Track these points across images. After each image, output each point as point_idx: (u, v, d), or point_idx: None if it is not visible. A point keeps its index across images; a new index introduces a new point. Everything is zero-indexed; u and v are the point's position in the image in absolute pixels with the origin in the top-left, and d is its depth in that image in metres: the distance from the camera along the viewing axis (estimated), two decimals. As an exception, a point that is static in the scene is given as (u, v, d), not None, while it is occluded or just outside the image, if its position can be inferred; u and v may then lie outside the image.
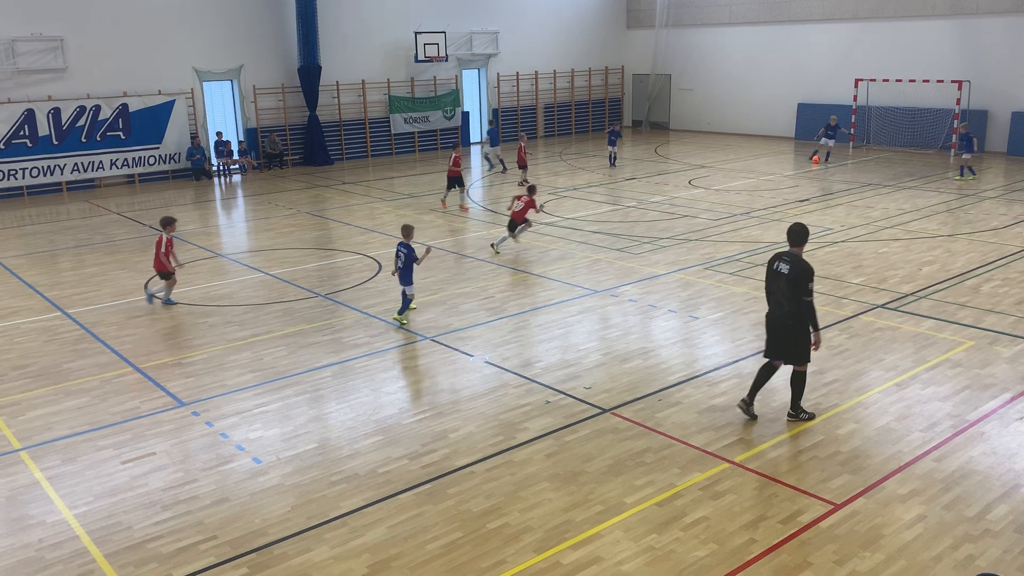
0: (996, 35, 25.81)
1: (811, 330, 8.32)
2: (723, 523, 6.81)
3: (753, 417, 8.63)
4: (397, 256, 11.72)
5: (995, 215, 17.63)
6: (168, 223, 12.92)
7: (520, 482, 7.54)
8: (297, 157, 28.13)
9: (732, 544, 6.52)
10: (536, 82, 33.53)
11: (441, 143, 31.10)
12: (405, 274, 11.71)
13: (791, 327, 8.35)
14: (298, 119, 27.86)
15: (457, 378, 9.98)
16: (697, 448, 8.07)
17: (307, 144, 28.01)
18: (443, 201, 20.34)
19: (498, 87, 32.51)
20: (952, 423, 8.46)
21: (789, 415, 8.67)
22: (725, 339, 11.02)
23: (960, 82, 26.12)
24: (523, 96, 33.42)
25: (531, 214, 16.01)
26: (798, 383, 8.53)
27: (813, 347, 8.37)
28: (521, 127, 33.35)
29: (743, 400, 8.71)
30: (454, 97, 31.00)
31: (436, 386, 9.81)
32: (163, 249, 12.72)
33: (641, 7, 35.36)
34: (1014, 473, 7.54)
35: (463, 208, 19.95)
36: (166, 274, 12.92)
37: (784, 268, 8.32)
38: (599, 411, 8.93)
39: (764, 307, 12.03)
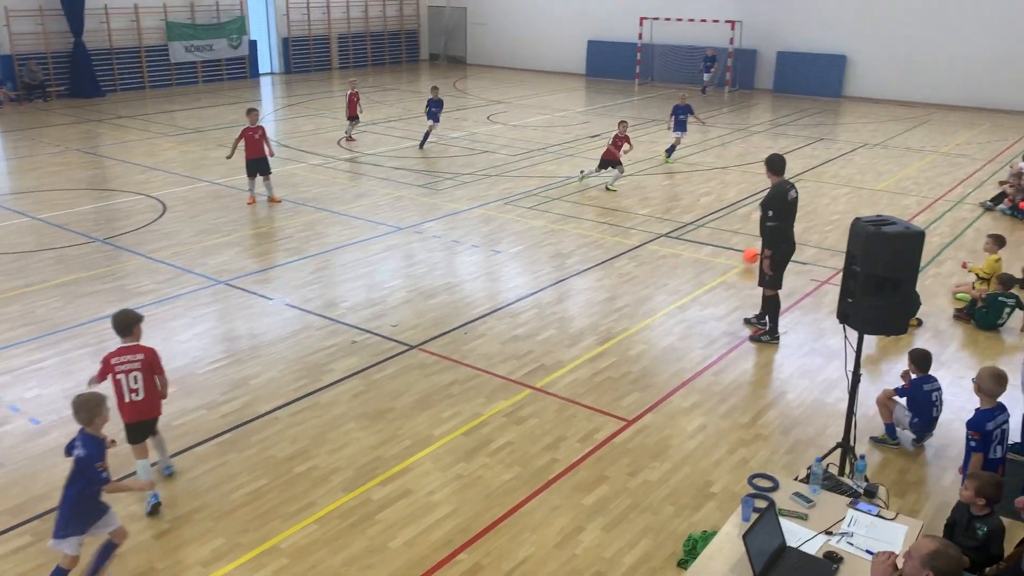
0: (764, -21, 27.72)
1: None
2: (526, 446, 7.12)
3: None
4: (73, 456, 5.33)
5: (763, 148, 19.16)
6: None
7: (327, 424, 7.46)
8: (62, 88, 25.44)
9: (535, 465, 6.84)
10: (328, 10, 32.18)
11: (227, 73, 29.24)
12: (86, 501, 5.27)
13: None
14: (62, 46, 25.10)
15: (256, 323, 9.63)
16: (501, 377, 8.34)
17: (73, 73, 25.37)
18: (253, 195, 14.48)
19: (287, 15, 30.90)
20: (727, 340, 9.27)
21: (768, 335, 9.27)
22: (525, 271, 11.36)
23: (733, 22, 27.89)
24: (315, 25, 32.00)
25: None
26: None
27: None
28: (314, 57, 32.03)
29: (775, 336, 9.20)
30: (239, 24, 29.14)
31: (233, 332, 9.41)
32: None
33: (434, -64, 34.70)
34: (780, 382, 8.41)
35: (272, 200, 14.40)
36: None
37: (795, 194, 8.80)
38: (406, 348, 8.97)
39: (559, 239, 12.53)
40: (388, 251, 12.07)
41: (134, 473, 6.37)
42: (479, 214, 13.87)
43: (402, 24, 35.20)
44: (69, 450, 5.33)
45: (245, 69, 29.76)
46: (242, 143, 14.04)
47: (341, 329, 9.43)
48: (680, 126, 17.59)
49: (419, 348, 8.97)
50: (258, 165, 14.13)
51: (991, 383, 6.02)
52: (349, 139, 19.36)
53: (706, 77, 27.91)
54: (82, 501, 5.21)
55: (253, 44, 30.04)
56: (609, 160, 15.34)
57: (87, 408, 5.28)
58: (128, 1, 26.20)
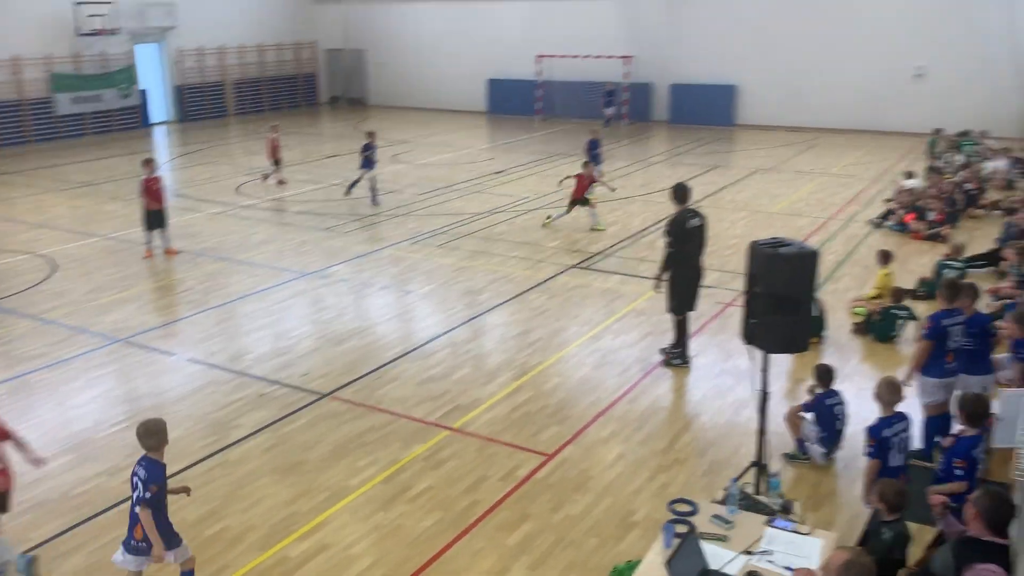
0: (654, 13, 28.68)
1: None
2: (447, 490, 6.99)
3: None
4: (134, 486, 5.33)
5: (663, 177, 19.68)
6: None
7: (238, 481, 7.17)
8: (-62, 145, 24.15)
9: (457, 508, 6.72)
10: (222, 57, 31.63)
11: (118, 123, 28.32)
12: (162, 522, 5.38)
13: None
14: (-65, 101, 23.88)
15: (157, 381, 9.23)
16: (418, 420, 8.20)
17: (-50, 130, 24.15)
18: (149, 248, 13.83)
19: (180, 62, 30.22)
20: (640, 367, 9.38)
21: (679, 359, 9.36)
22: (437, 311, 11.27)
23: (627, 57, 28.73)
24: (210, 72, 31.39)
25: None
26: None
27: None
28: (209, 105, 31.39)
29: (686, 359, 9.31)
30: (129, 74, 28.30)
31: (134, 392, 8.99)
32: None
33: (328, -20, 34.67)
34: (692, 405, 8.55)
35: (169, 252, 13.84)
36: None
37: (699, 221, 8.86)
38: (318, 397, 8.74)
39: (469, 276, 12.51)
40: (294, 298, 11.80)
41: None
42: (387, 255, 13.74)
43: (299, 68, 34.89)
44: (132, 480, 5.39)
45: (137, 119, 28.89)
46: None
47: (248, 382, 9.12)
48: (595, 160, 17.86)
49: (331, 396, 8.75)
50: (158, 216, 13.66)
51: (887, 392, 6.24)
52: (279, 183, 19.21)
53: (608, 111, 28.61)
54: (162, 519, 5.34)
55: (144, 93, 29.23)
56: (578, 200, 15.17)
57: (156, 433, 5.38)
58: (6, 53, 25.15)
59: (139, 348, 10.07)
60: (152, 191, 13.55)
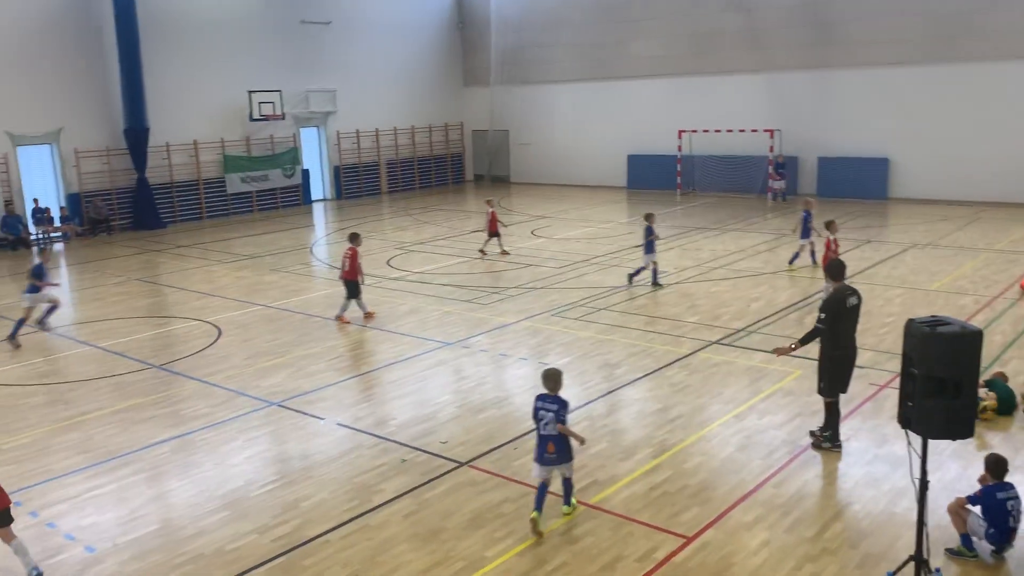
0: (800, 88, 28.29)
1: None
2: (583, 567, 6.87)
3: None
4: (538, 418, 7.56)
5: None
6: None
7: (379, 546, 7.33)
8: (126, 221, 26.69)
9: (593, 587, 6.59)
10: (377, 139, 33.61)
11: (281, 201, 30.45)
12: (562, 446, 7.53)
13: None
14: (126, 182, 26.50)
15: (307, 443, 9.65)
16: (553, 493, 8.13)
17: (136, 207, 26.67)
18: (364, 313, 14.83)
19: (338, 144, 32.34)
20: (788, 449, 8.98)
21: (830, 443, 8.96)
22: (574, 383, 11.25)
23: (772, 131, 28.34)
24: (365, 153, 33.39)
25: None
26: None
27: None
28: (364, 183, 33.29)
29: (837, 443, 8.89)
30: (293, 155, 30.55)
31: (285, 453, 9.43)
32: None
33: (477, 66, 36.36)
34: (844, 492, 8.07)
35: (342, 320, 14.69)
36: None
37: (856, 300, 8.65)
38: (456, 465, 8.87)
39: (607, 349, 12.45)
40: (437, 366, 12.12)
41: None
42: (526, 326, 13.92)
43: (448, 148, 36.54)
44: (537, 414, 7.55)
45: (299, 197, 31.00)
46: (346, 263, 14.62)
47: (391, 447, 9.38)
48: (807, 232, 17.32)
49: (469, 465, 8.86)
50: (355, 286, 14.59)
51: None
52: (503, 252, 20.02)
53: (778, 184, 28.02)
54: (564, 439, 7.49)
55: (306, 173, 31.38)
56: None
57: (558, 377, 7.67)
58: (188, 137, 27.72)
59: (292, 411, 10.59)
60: (354, 263, 14.52)
